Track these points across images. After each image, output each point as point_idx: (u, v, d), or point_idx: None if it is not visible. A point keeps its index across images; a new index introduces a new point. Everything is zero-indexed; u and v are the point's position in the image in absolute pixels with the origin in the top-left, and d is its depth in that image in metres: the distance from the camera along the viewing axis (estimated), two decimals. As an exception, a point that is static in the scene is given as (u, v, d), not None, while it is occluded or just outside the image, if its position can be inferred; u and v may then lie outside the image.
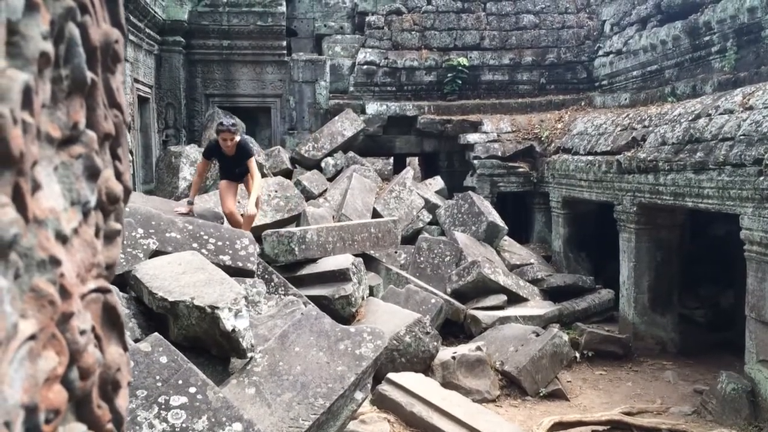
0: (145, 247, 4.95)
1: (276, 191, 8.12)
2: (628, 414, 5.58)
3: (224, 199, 6.81)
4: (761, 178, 5.30)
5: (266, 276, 6.11)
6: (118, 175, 0.77)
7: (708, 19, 8.37)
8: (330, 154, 10.36)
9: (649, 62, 9.66)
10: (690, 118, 6.77)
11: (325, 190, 9.40)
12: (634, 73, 10.25)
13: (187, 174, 9.31)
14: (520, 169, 10.35)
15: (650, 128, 7.50)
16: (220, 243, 5.45)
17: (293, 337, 4.22)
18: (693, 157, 6.27)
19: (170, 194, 8.74)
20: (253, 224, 7.48)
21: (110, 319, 0.70)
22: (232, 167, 6.74)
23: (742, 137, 5.72)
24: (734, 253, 5.69)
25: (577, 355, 7.07)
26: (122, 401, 0.71)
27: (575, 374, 6.80)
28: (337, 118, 10.80)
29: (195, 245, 5.27)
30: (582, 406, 5.98)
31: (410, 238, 9.06)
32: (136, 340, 3.88)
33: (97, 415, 0.65)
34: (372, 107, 11.46)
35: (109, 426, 0.68)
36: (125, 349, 0.73)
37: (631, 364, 7.09)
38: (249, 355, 4.04)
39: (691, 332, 7.80)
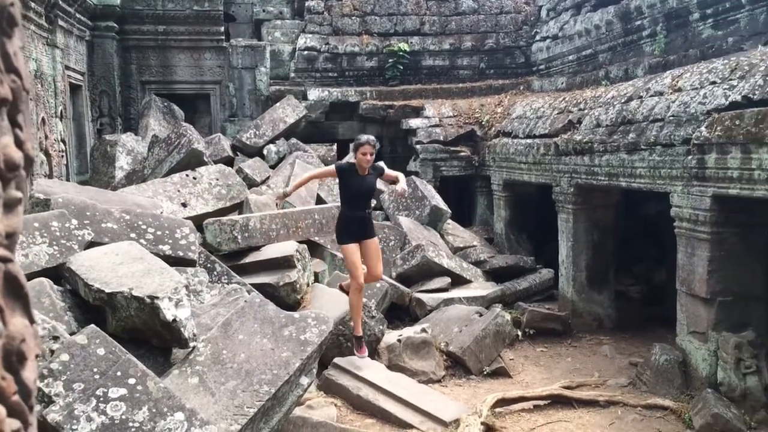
0: (79, 238, 4.81)
1: (217, 179, 7.99)
2: (568, 388, 5.76)
3: (356, 267, 5.56)
4: (689, 157, 5.51)
5: (208, 265, 6.02)
6: (19, 143, 0.75)
7: (639, 3, 8.62)
8: (272, 141, 10.24)
9: (583, 47, 9.89)
10: (623, 100, 6.98)
11: (268, 178, 9.30)
12: (570, 57, 10.48)
13: (123, 163, 9.07)
14: (462, 153, 10.47)
15: (585, 111, 7.70)
16: (159, 232, 5.34)
17: (237, 324, 4.18)
18: (626, 138, 6.47)
19: (106, 184, 8.49)
20: (194, 214, 7.35)
21: (13, 289, 0.68)
22: (363, 191, 5.65)
23: (671, 118, 5.93)
24: (666, 231, 5.92)
25: (519, 333, 7.24)
26: (29, 373, 0.69)
27: (518, 352, 6.96)
28: (278, 104, 10.67)
29: (133, 235, 5.15)
30: (524, 383, 6.13)
31: (355, 224, 9.05)
32: (72, 333, 3.78)
33: (0, 386, 0.64)
34: (314, 93, 11.38)
35: (15, 398, 0.66)
36: (31, 321, 0.71)
37: (571, 340, 7.31)
38: (191, 344, 3.99)
39: (627, 308, 8.09)
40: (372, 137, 5.63)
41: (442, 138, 10.55)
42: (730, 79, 5.47)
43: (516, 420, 5.38)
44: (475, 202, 10.77)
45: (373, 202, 6.18)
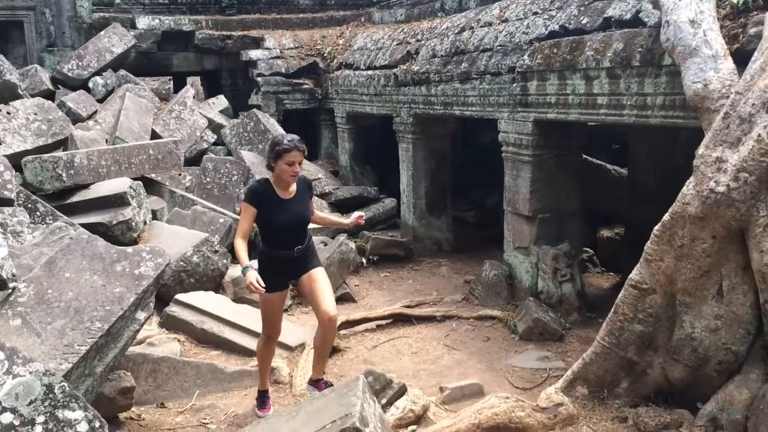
0: None
1: (36, 114, 7.31)
2: (409, 307, 6.08)
3: (270, 324, 4.22)
4: (514, 85, 5.84)
5: (29, 205, 5.57)
6: None
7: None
8: (98, 73, 9.50)
9: (421, -22, 9.98)
10: (456, 31, 7.20)
11: (95, 112, 8.65)
12: (409, -11, 10.56)
13: None
14: (305, 86, 10.35)
15: (422, 42, 7.87)
16: (-34, 170, 4.83)
17: (62, 263, 3.93)
18: (459, 68, 6.72)
19: None
20: (10, 152, 6.70)
21: None
22: (292, 221, 4.02)
23: (499, 48, 6.23)
24: (498, 158, 6.29)
25: (364, 260, 7.48)
26: None
27: (362, 278, 7.20)
28: (103, 33, 9.86)
29: (-66, 174, 4.62)
30: (369, 305, 6.38)
31: (195, 160, 8.75)
32: None
33: None
34: (143, 21, 10.62)
35: None
36: None
37: (412, 264, 7.67)
38: (11, 285, 3.70)
39: (464, 232, 8.60)
40: (297, 138, 3.92)
41: (284, 70, 10.34)
42: (550, 10, 5.82)
43: (360, 340, 5.61)
44: (320, 135, 10.75)
45: (311, 228, 4.37)
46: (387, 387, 4.12)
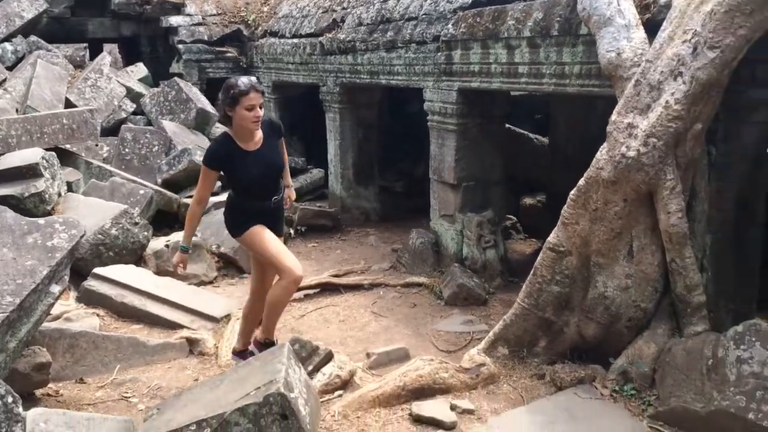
0: None
1: (-65, 80, 6.84)
2: (336, 276, 6.09)
3: (279, 252, 3.77)
4: (439, 54, 5.87)
5: (-70, 177, 5.24)
6: None
7: None
8: (7, 39, 8.95)
9: (347, -55, 9.82)
10: (382, -1, 7.15)
11: (5, 80, 8.17)
12: (334, -44, 10.37)
13: None
14: (229, 54, 10.09)
15: (348, 10, 7.78)
16: None
17: (-33, 236, 3.73)
18: (385, 36, 6.69)
19: None
20: None
21: None
22: (262, 172, 3.71)
23: (424, 16, 6.24)
24: (425, 128, 6.33)
25: (292, 231, 7.42)
26: None
27: (291, 248, 7.04)
28: (10, -5, 9.26)
29: None
30: (296, 276, 6.35)
31: (113, 130, 8.41)
32: None
33: None
34: (55, -16, 10.04)
35: None
36: None
37: (340, 234, 7.68)
38: None
39: (391, 201, 8.65)
40: (254, 79, 3.60)
41: (206, 38, 10.04)
42: (473, -21, 5.84)
43: (287, 309, 5.56)
44: (245, 105, 10.51)
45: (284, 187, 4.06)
46: (313, 354, 4.13)
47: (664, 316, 3.85)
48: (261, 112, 3.54)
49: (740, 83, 3.51)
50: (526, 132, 8.27)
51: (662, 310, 3.85)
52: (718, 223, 3.79)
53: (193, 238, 6.12)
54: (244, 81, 3.48)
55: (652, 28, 3.78)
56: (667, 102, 3.40)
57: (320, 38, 7.91)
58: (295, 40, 8.59)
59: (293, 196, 4.26)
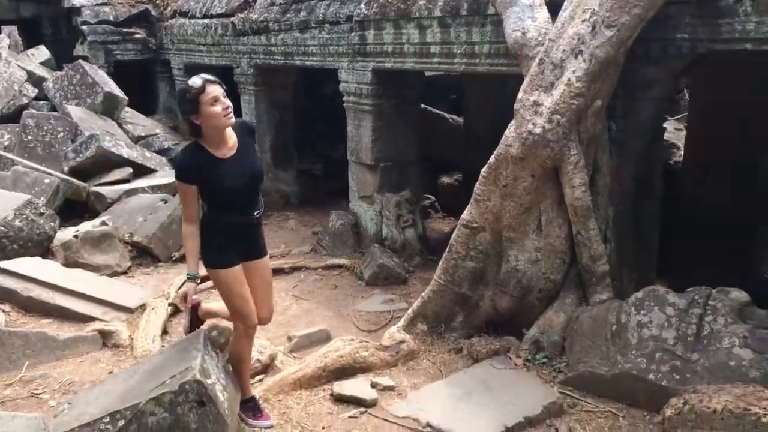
0: None
1: None
2: (255, 261, 6.01)
3: (246, 301, 3.29)
4: (352, 34, 5.86)
5: None
6: None
7: None
8: None
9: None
10: (293, -21, 7.04)
11: None
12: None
13: None
14: (137, 35, 9.72)
15: (262, -11, 7.62)
16: None
17: None
18: (298, 16, 6.60)
19: None
20: None
21: None
22: (240, 180, 3.13)
23: (336, -4, 6.19)
24: (343, 109, 6.30)
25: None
26: None
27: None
28: None
29: None
30: (215, 262, 6.23)
31: (13, 117, 7.96)
32: None
33: None
34: (-60, -40, 9.36)
35: None
36: None
37: (259, 217, 7.57)
38: None
39: (311, 184, 8.60)
40: (205, 75, 3.07)
41: (112, 18, 9.63)
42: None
43: (206, 297, 5.48)
44: (157, 88, 10.19)
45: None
46: (232, 340, 4.08)
47: (571, 287, 4.02)
48: (228, 101, 3.03)
49: (635, 62, 3.68)
50: (442, 112, 8.38)
51: (570, 281, 4.02)
52: (619, 196, 3.98)
53: (103, 227, 5.99)
54: (194, 80, 3.03)
55: (555, 7, 3.90)
56: (569, 80, 3.53)
57: (232, 18, 7.73)
58: (206, 21, 8.36)
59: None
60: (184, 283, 3.13)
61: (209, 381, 3.03)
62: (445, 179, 7.95)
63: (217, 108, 2.97)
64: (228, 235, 3.18)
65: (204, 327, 3.84)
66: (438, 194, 7.86)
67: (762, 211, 4.89)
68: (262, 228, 3.43)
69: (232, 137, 3.13)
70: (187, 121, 3.07)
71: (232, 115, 3.03)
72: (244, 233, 3.24)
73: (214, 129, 3.03)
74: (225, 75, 8.58)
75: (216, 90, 2.98)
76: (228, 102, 3.01)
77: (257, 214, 3.25)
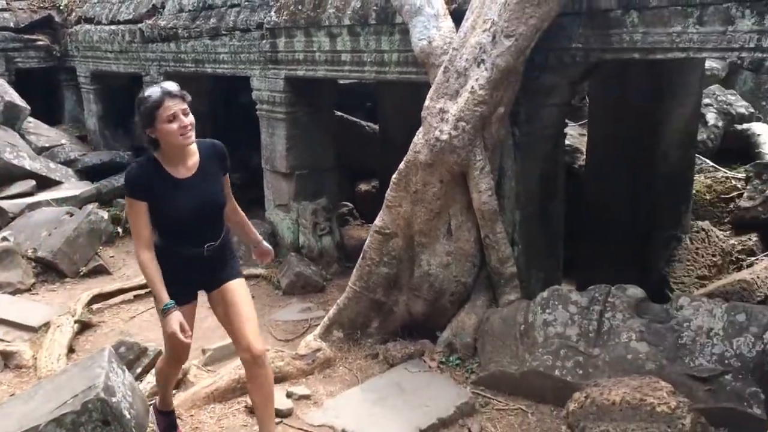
0: None
1: None
2: (169, 273, 5.86)
3: (177, 343, 2.86)
4: (264, 42, 5.81)
5: None
6: None
7: None
8: None
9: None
10: (201, -14, 6.93)
11: None
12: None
13: None
14: (40, 42, 9.30)
15: (169, -4, 7.46)
16: None
17: None
18: (208, 23, 6.50)
19: None
20: None
21: None
22: (197, 207, 2.83)
23: (246, 3, 6.14)
24: (258, 117, 6.24)
25: (120, 230, 7.04)
26: None
27: (119, 248, 6.78)
28: None
29: None
30: (126, 276, 6.05)
31: None
32: None
33: None
34: None
35: None
36: None
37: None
38: None
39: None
40: (169, 84, 2.75)
41: (12, 24, 9.19)
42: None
43: (116, 312, 5.32)
44: (62, 97, 9.78)
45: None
46: (142, 356, 3.97)
47: (482, 289, 4.13)
48: (189, 119, 2.70)
49: (535, 70, 3.83)
50: (358, 120, 8.42)
51: (480, 283, 4.12)
52: (525, 200, 4.12)
53: (4, 243, 5.69)
54: (154, 90, 2.70)
55: (458, 17, 4.01)
56: (472, 87, 3.63)
57: (140, 25, 7.53)
58: (113, 27, 8.10)
59: (270, 252, 3.38)
60: (168, 313, 2.75)
61: (114, 399, 2.94)
62: (363, 186, 7.99)
63: (174, 126, 2.66)
64: (174, 269, 2.82)
65: (109, 344, 3.73)
66: (356, 201, 7.89)
67: (657, 213, 5.18)
68: (230, 250, 3.07)
69: (193, 157, 2.83)
70: (145, 136, 2.76)
71: (191, 135, 2.72)
72: (196, 267, 2.90)
73: (171, 146, 2.74)
74: (136, 83, 8.38)
75: (175, 106, 2.67)
76: (187, 120, 2.69)
77: (210, 246, 2.88)
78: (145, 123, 2.71)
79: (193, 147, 2.82)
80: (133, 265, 6.40)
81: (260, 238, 3.34)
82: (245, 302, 3.03)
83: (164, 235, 2.87)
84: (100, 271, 6.11)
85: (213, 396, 3.74)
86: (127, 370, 3.40)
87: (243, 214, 3.21)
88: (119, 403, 2.96)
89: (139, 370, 3.88)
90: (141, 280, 5.67)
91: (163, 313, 2.76)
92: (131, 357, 3.91)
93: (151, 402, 3.44)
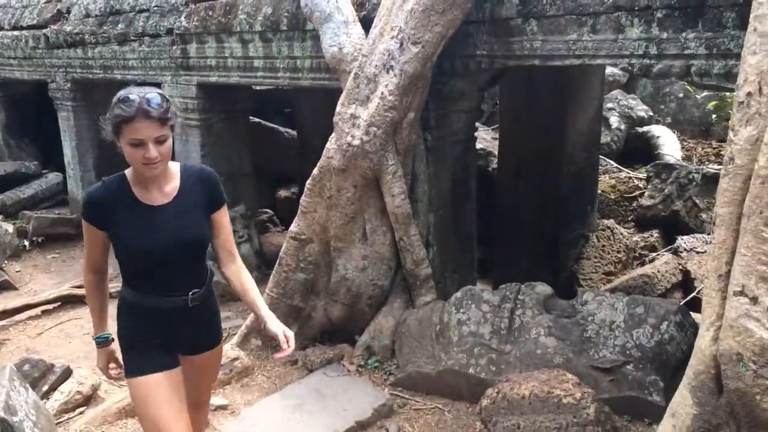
0: None
1: None
2: (79, 287, 5.65)
3: (164, 425, 2.21)
4: (174, 48, 5.69)
5: None
6: None
7: None
8: None
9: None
10: (111, -11, 6.73)
11: None
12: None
13: None
14: (-66, 47, 8.76)
15: (74, 0, 7.19)
16: None
17: None
18: (116, 29, 6.31)
19: None
20: None
21: None
22: (167, 242, 2.21)
23: (156, 8, 5.99)
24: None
25: (27, 243, 6.74)
26: None
27: (25, 263, 6.50)
28: None
29: None
30: (33, 291, 5.80)
31: None
32: None
33: None
34: None
35: None
36: None
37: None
38: None
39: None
40: (152, 95, 2.08)
41: None
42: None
43: (22, 329, 5.09)
44: (-39, 105, 9.24)
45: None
46: (48, 373, 3.81)
47: (399, 291, 4.19)
48: (163, 149, 2.10)
49: (443, 76, 3.93)
50: (276, 126, 8.37)
51: (397, 286, 4.18)
52: (438, 202, 4.21)
53: None
54: (132, 99, 2.04)
55: (367, 24, 4.06)
56: (382, 93, 3.69)
57: (44, 30, 7.21)
58: (16, 33, 7.73)
59: (291, 340, 2.43)
60: (99, 347, 2.44)
61: (15, 418, 2.82)
62: (283, 192, 7.95)
63: (137, 153, 2.07)
64: (145, 325, 2.28)
65: (11, 362, 3.56)
66: (276, 208, 7.83)
67: (565, 213, 5.41)
68: (213, 307, 2.49)
69: (172, 181, 2.26)
70: (112, 134, 2.13)
71: (157, 168, 2.13)
72: (175, 322, 2.30)
73: (138, 167, 2.15)
74: (42, 90, 8.03)
75: (146, 130, 2.04)
76: (157, 151, 2.07)
77: (194, 294, 2.29)
78: (112, 130, 2.10)
79: (173, 168, 2.28)
80: (41, 279, 6.16)
81: (266, 312, 2.47)
82: (209, 383, 2.61)
83: (131, 279, 2.29)
84: (5, 286, 5.85)
85: (125, 411, 3.64)
86: (30, 389, 3.27)
87: (242, 264, 2.53)
88: (21, 422, 2.85)
89: (45, 387, 3.72)
90: (49, 294, 5.47)
91: (96, 345, 2.42)
92: (36, 375, 3.74)
93: None
